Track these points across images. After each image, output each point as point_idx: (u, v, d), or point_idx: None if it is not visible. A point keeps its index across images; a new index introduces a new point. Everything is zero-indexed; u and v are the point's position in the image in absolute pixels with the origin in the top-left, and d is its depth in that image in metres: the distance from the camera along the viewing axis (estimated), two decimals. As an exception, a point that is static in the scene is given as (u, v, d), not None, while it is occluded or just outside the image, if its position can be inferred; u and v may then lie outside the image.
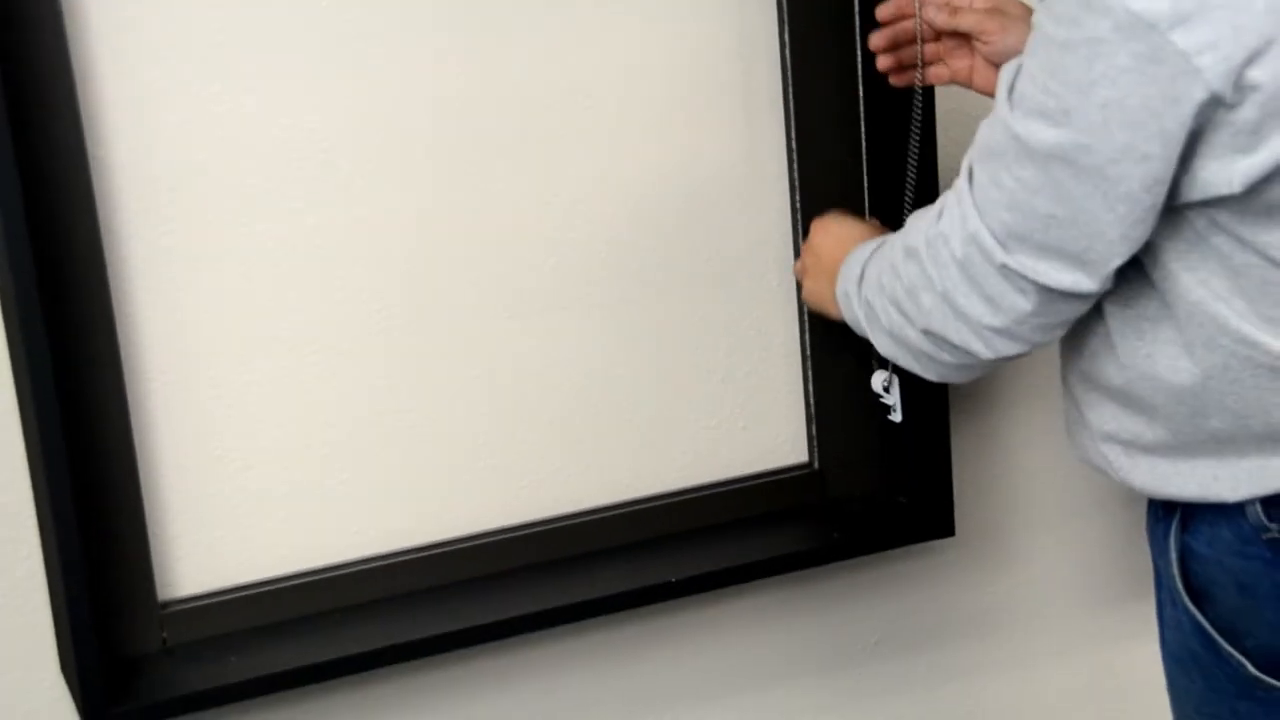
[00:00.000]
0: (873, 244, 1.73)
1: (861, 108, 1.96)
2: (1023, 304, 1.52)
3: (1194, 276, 1.51)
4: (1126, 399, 1.60)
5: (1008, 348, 1.57)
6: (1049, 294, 1.51)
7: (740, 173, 2.01)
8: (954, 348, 1.59)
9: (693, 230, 2.00)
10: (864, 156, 2.00)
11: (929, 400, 2.03)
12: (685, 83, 1.96)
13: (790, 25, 1.97)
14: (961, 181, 1.55)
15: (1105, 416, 1.63)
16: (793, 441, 2.11)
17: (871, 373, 2.05)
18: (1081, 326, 1.61)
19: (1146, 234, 1.48)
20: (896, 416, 2.04)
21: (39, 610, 1.81)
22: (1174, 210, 1.48)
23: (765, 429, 2.09)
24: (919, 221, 1.62)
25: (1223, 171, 1.43)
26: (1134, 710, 2.29)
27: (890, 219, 1.99)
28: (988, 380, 2.15)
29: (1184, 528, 1.63)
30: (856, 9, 1.92)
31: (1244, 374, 1.52)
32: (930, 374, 1.66)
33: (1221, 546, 1.60)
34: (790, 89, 1.99)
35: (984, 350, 1.58)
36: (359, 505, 1.93)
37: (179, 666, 1.85)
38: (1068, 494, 2.22)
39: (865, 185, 2.01)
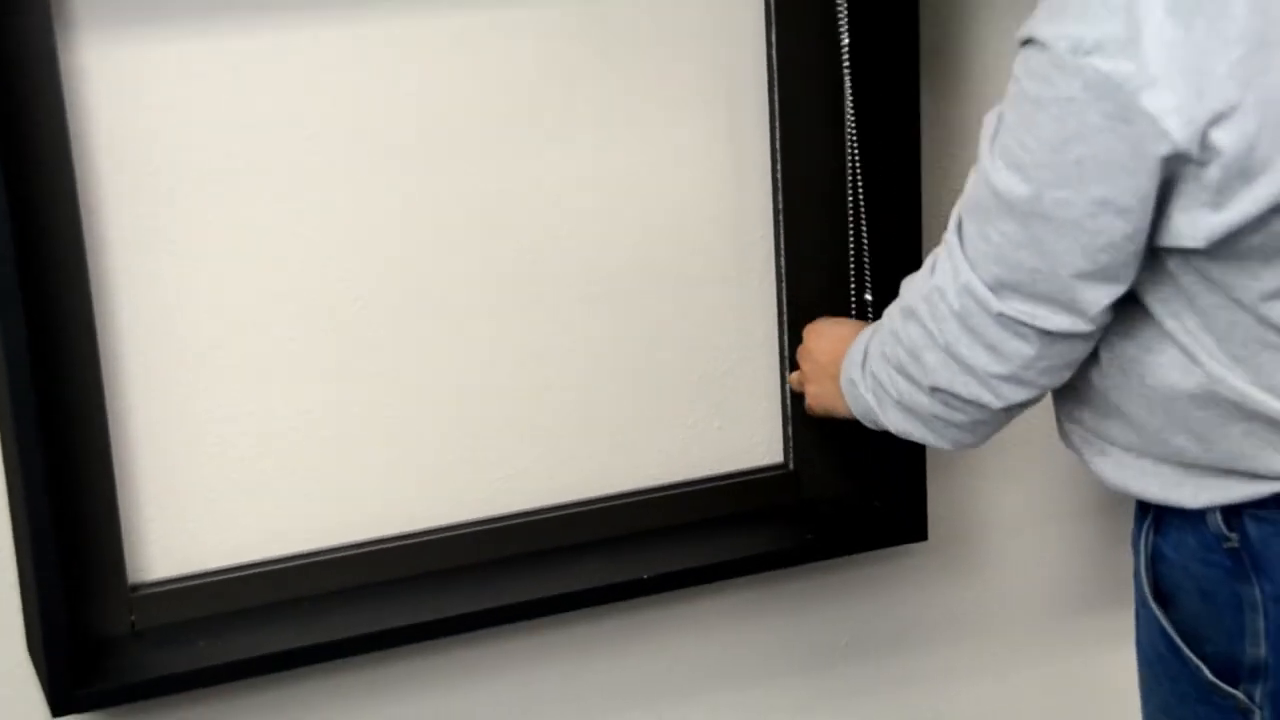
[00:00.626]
0: (870, 329, 1.75)
1: (848, 106, 1.96)
2: (1025, 349, 1.54)
3: (1166, 309, 1.53)
4: (1104, 400, 1.61)
5: (1017, 394, 1.58)
6: (1048, 337, 1.53)
7: (722, 173, 2.01)
8: (964, 403, 1.60)
9: (673, 229, 2.00)
10: (848, 158, 1.99)
11: (905, 404, 2.03)
12: (669, 80, 1.96)
13: (777, 27, 1.97)
14: (951, 235, 1.56)
15: (1084, 411, 1.64)
16: (768, 442, 2.11)
17: (849, 375, 2.06)
18: None
19: (1133, 276, 1.50)
20: (873, 419, 2.05)
21: (7, 590, 1.81)
22: (1150, 250, 1.50)
23: (741, 429, 2.09)
24: (912, 284, 1.63)
25: (1190, 225, 1.45)
26: (1104, 717, 2.29)
27: (875, 221, 1.99)
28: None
29: (1155, 529, 1.64)
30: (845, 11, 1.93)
31: (1209, 406, 1.54)
32: (945, 441, 1.66)
33: (1187, 552, 1.61)
34: (775, 90, 1.99)
35: (994, 400, 1.58)
36: (332, 494, 1.93)
37: (147, 650, 1.85)
38: (1041, 502, 2.22)
39: (849, 181, 2.00)
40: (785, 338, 2.07)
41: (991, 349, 1.55)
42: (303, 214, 1.85)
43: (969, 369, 1.57)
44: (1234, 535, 1.57)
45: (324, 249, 1.87)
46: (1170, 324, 1.53)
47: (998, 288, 1.52)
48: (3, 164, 1.65)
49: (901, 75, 1.93)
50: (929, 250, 2.00)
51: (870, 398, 1.71)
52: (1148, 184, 1.42)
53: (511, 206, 1.93)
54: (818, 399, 1.93)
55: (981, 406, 1.59)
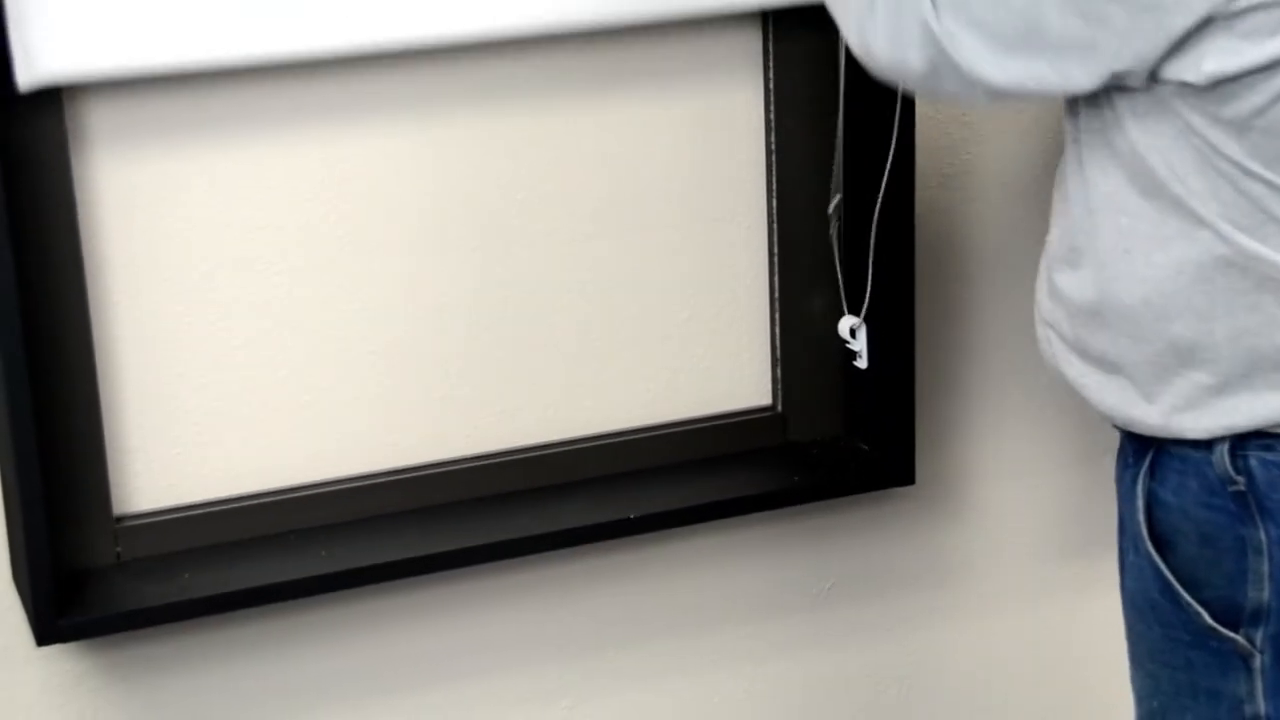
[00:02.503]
0: None
1: (840, 62, 1.95)
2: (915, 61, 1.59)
3: (1174, 174, 1.52)
4: (1094, 310, 1.60)
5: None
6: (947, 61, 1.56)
7: (714, 115, 2.00)
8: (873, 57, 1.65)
9: (664, 169, 1.99)
10: (840, 101, 1.99)
11: (894, 347, 2.03)
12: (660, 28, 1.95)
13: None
14: None
15: (1077, 332, 1.63)
16: (756, 383, 2.11)
17: (839, 317, 2.05)
18: (1062, 231, 1.62)
19: (1067, 71, 1.52)
20: (862, 363, 2.05)
21: (-8, 518, 1.81)
22: (1158, 103, 1.50)
23: (729, 370, 2.09)
24: None
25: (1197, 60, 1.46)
26: (1087, 663, 2.30)
27: (862, 161, 1.99)
28: (955, 331, 2.15)
29: (1152, 475, 1.64)
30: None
31: (1214, 276, 1.53)
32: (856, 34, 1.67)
33: (1188, 496, 1.61)
34: (770, 42, 1.98)
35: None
36: (318, 428, 1.92)
37: (131, 581, 1.84)
38: (1028, 447, 2.22)
39: (840, 125, 2.00)
40: (775, 279, 2.06)
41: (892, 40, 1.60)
42: (296, 149, 1.84)
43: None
44: (1240, 478, 1.57)
45: (315, 183, 1.85)
46: (1176, 189, 1.52)
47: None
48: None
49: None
50: (919, 194, 2.01)
51: None
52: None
53: (501, 145, 1.91)
54: None
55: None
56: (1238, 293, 1.54)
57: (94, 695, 1.89)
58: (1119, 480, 1.70)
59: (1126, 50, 1.48)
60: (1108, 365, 1.62)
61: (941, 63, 1.56)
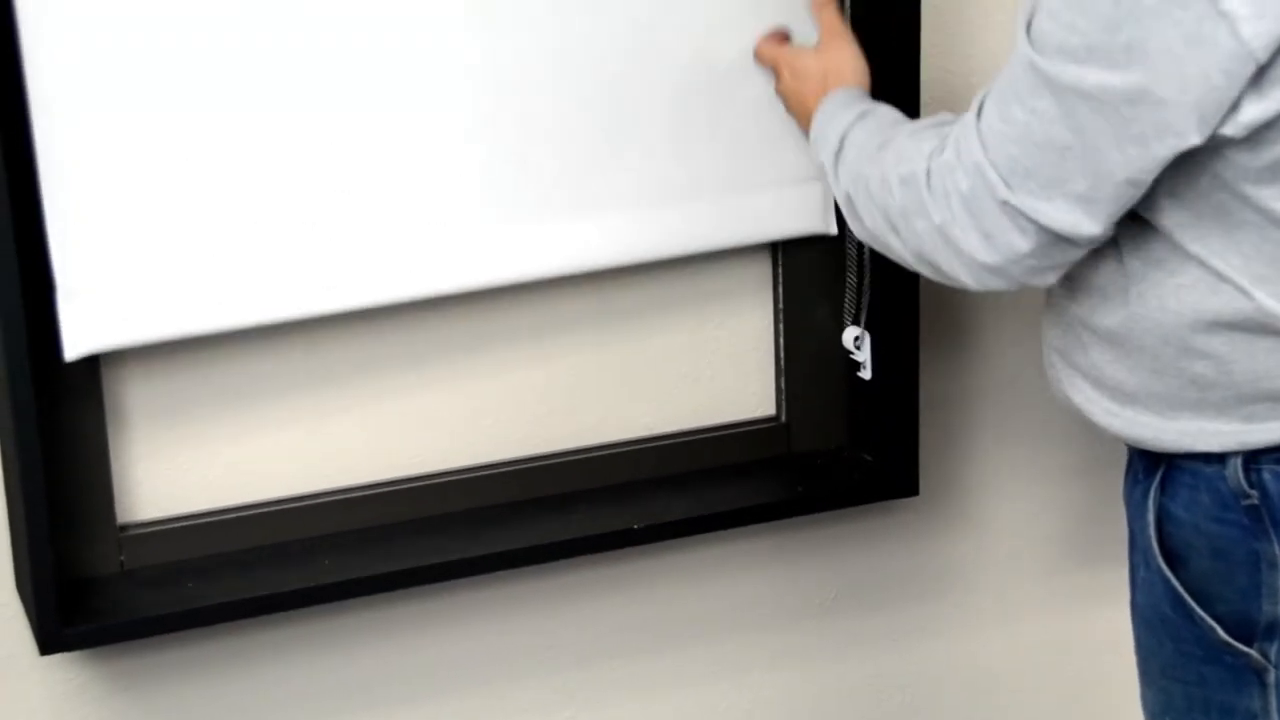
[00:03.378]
0: (853, 110, 1.73)
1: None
2: (1021, 244, 1.52)
3: (1191, 234, 1.51)
4: (1115, 341, 1.59)
5: (995, 284, 1.57)
6: (1048, 235, 1.51)
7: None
8: (940, 273, 1.60)
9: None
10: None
11: (899, 358, 2.03)
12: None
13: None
14: (970, 115, 1.54)
15: (1093, 360, 1.62)
16: (760, 394, 2.11)
17: (843, 328, 2.05)
18: (1080, 269, 1.61)
19: (1149, 181, 1.48)
20: (866, 374, 2.04)
21: (-4, 527, 1.81)
22: (1179, 161, 1.48)
23: (734, 380, 2.09)
24: (912, 146, 1.61)
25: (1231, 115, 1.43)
26: (1093, 675, 2.30)
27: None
28: (959, 342, 2.15)
29: (1163, 490, 1.63)
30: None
31: (1234, 328, 1.52)
32: (902, 259, 1.65)
33: (1200, 511, 1.60)
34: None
35: (971, 283, 1.57)
36: (323, 439, 1.92)
37: (136, 590, 1.84)
38: (1033, 458, 2.22)
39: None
40: (779, 289, 2.06)
41: (987, 237, 1.53)
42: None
43: (957, 250, 1.55)
44: (1254, 492, 1.56)
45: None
46: (1194, 247, 1.51)
47: (1010, 174, 1.50)
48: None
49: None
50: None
51: (838, 195, 1.70)
52: (1195, 76, 1.40)
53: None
54: (790, 97, 1.88)
55: (955, 281, 1.59)
56: (1259, 343, 1.53)
57: (97, 704, 1.89)
58: (1128, 495, 1.69)
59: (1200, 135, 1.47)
60: (1123, 396, 1.62)
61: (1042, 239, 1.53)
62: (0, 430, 1.76)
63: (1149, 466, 1.65)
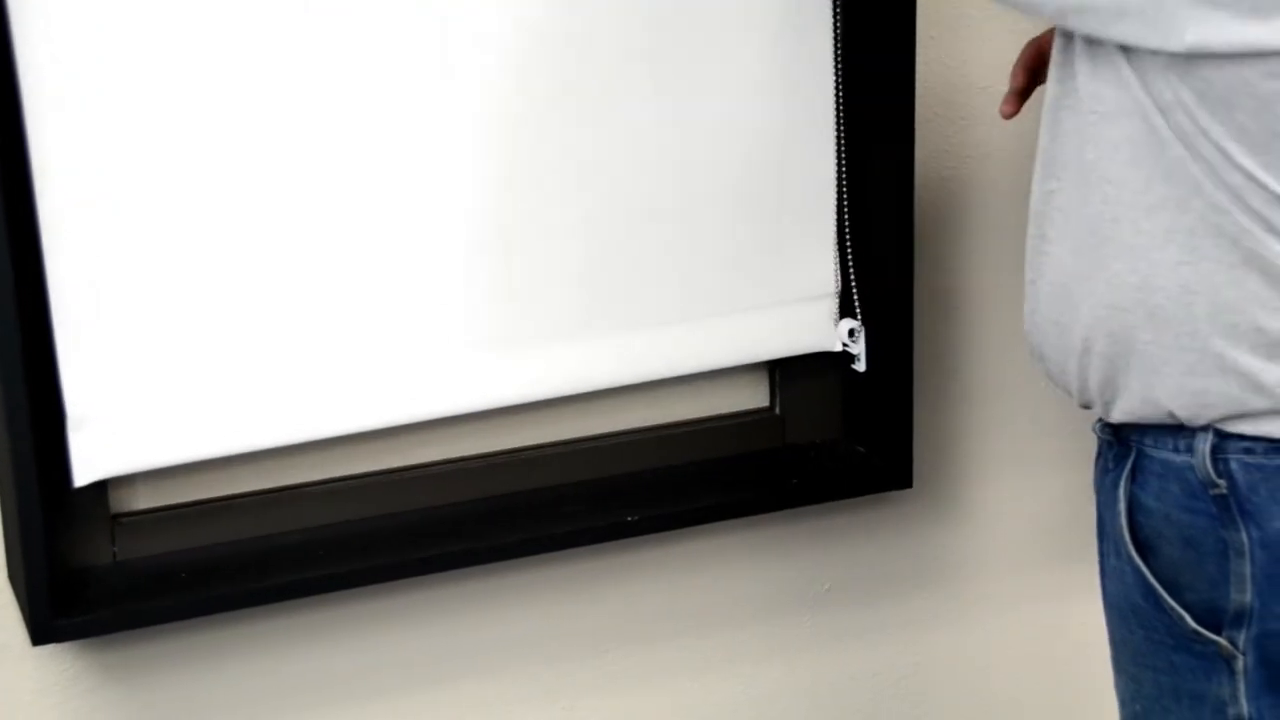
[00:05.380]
0: None
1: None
2: None
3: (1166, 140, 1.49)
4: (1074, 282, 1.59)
5: None
6: None
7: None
8: None
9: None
10: (839, 95, 1.99)
11: (893, 350, 2.03)
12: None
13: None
14: None
15: (1059, 308, 1.61)
16: (754, 385, 2.11)
17: (837, 320, 2.05)
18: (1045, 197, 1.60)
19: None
20: (860, 366, 2.05)
21: (-11, 517, 1.81)
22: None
23: (728, 372, 2.09)
24: None
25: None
26: (1084, 664, 2.29)
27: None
28: (952, 333, 2.15)
29: (1133, 479, 1.63)
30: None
31: (1216, 232, 1.50)
32: None
33: (1170, 500, 1.60)
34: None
35: None
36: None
37: (129, 580, 1.84)
38: (1027, 450, 2.22)
39: (840, 121, 2.00)
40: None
41: None
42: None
43: None
44: (1222, 481, 1.57)
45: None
46: (1172, 151, 1.49)
47: None
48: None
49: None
50: (919, 196, 2.00)
51: None
52: None
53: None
54: None
55: None
56: (1224, 266, 1.51)
57: (90, 695, 1.89)
58: (1098, 485, 1.69)
59: None
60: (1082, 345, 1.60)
61: None
62: (-6, 421, 1.76)
63: (1119, 455, 1.65)
